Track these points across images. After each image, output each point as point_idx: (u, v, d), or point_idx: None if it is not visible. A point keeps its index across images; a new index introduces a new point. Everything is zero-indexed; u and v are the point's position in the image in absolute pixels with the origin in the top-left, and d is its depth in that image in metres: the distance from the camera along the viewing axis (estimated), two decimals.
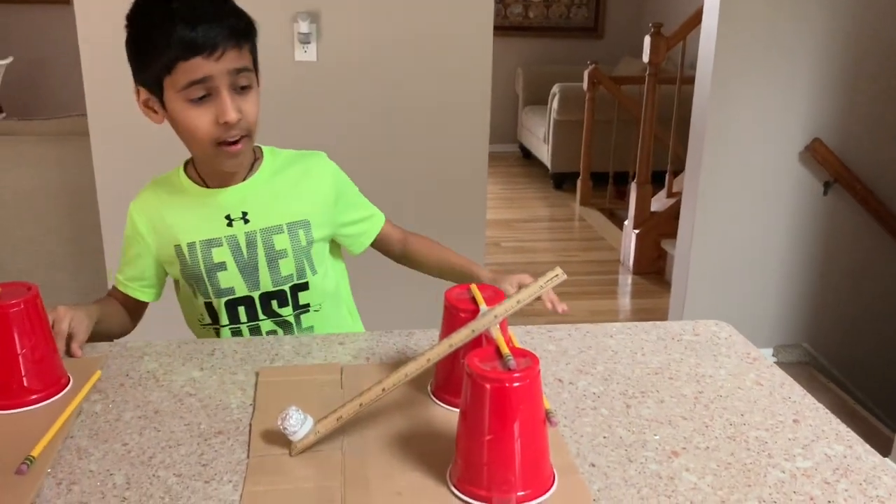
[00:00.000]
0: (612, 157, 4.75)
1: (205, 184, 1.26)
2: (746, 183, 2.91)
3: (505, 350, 0.81)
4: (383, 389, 0.88)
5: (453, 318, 0.96)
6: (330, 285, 1.33)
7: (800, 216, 2.98)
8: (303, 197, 1.30)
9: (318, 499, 0.80)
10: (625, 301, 3.81)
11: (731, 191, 2.91)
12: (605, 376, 1.05)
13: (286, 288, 1.27)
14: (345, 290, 1.41)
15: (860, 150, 2.88)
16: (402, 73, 2.60)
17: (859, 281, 3.06)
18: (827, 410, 0.98)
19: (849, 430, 0.93)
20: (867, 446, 0.90)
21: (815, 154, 2.87)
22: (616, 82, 4.75)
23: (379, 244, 1.40)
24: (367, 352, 1.13)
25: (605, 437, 0.91)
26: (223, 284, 1.25)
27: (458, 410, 0.94)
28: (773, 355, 3.12)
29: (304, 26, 2.56)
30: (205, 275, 1.24)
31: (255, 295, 1.26)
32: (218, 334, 1.27)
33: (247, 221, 1.26)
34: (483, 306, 0.93)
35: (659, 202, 4.04)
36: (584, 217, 4.81)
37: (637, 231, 3.94)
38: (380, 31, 2.58)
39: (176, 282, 1.32)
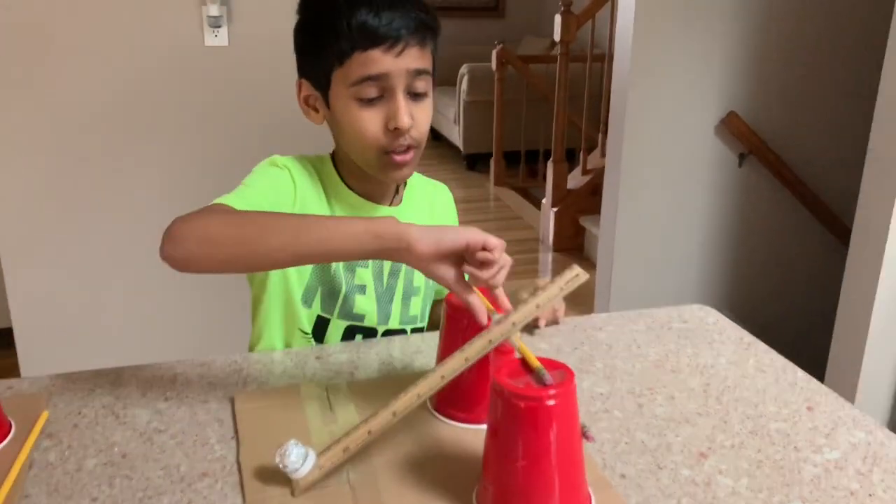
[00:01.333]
0: (523, 136, 4.75)
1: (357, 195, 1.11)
2: (666, 157, 2.94)
3: (535, 363, 0.74)
4: (393, 414, 0.79)
5: (459, 325, 0.88)
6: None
7: (717, 187, 3.04)
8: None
9: None
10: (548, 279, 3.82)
11: (651, 165, 2.94)
12: (608, 374, 1.00)
13: (409, 329, 1.16)
14: None
15: (773, 122, 2.96)
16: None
17: (775, 248, 3.16)
18: (836, 394, 0.96)
19: (864, 413, 0.92)
20: (885, 430, 0.89)
21: (731, 127, 2.93)
22: (524, 61, 4.74)
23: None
24: (347, 365, 1.03)
25: (626, 444, 0.86)
26: (356, 309, 1.11)
27: (464, 426, 0.88)
28: None
29: (213, 9, 2.39)
30: (343, 292, 1.10)
31: (381, 329, 1.14)
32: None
33: None
34: (494, 313, 0.85)
35: (574, 180, 4.06)
36: (499, 197, 4.79)
37: (555, 209, 3.95)
38: (292, 13, 2.44)
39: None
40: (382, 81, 1.00)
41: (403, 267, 1.14)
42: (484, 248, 0.81)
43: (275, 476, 0.79)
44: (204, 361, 1.04)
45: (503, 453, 0.73)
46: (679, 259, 3.10)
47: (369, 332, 1.14)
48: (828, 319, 2.44)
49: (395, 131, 1.02)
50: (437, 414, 0.91)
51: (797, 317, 3.30)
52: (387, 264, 1.13)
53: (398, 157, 1.04)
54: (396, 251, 0.82)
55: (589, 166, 4.03)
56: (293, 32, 1.10)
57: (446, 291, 1.24)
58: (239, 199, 0.97)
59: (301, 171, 1.09)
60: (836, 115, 3.01)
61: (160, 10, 2.36)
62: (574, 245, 3.98)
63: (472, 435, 0.87)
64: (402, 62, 1.00)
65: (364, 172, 1.09)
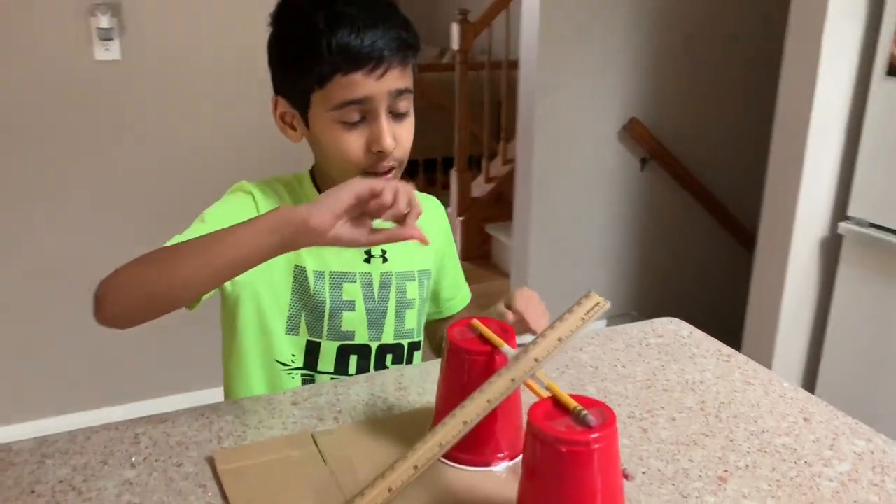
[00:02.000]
0: (420, 145, 4.71)
1: None
2: (573, 163, 2.99)
3: (572, 402, 0.69)
4: (415, 468, 0.73)
5: (464, 362, 0.82)
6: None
7: (621, 191, 3.12)
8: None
9: None
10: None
11: (560, 171, 2.98)
12: (602, 397, 0.97)
13: (405, 343, 1.11)
14: None
15: (673, 128, 3.07)
16: (219, 70, 2.35)
17: (676, 247, 3.28)
18: (826, 403, 0.97)
19: (856, 421, 0.93)
20: (882, 436, 0.90)
21: (633, 132, 3.01)
22: (419, 70, 4.70)
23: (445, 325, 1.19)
24: (329, 409, 0.95)
25: (644, 473, 0.83)
26: (345, 327, 1.06)
27: (472, 469, 0.83)
28: (607, 326, 3.26)
29: (103, 21, 2.22)
30: (328, 311, 1.04)
31: (374, 345, 1.08)
32: (303, 383, 1.07)
33: (385, 260, 1.09)
34: (505, 347, 0.80)
35: (478, 188, 4.07)
36: None
37: (461, 218, 3.94)
38: (192, 24, 2.30)
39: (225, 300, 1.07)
40: (365, 105, 0.97)
41: (394, 279, 1.10)
42: (374, 195, 0.82)
43: None
44: (164, 417, 0.93)
45: (543, 500, 0.68)
46: (589, 262, 3.16)
47: (362, 350, 1.09)
48: (737, 318, 2.54)
49: (378, 154, 0.99)
50: (441, 458, 0.85)
51: (706, 317, 3.43)
52: (375, 280, 1.08)
53: (382, 178, 0.99)
54: (297, 235, 0.82)
55: (491, 174, 4.04)
56: (267, 46, 1.04)
57: (442, 313, 1.22)
58: (186, 238, 0.94)
59: (268, 194, 1.05)
60: (735, 120, 3.15)
61: (44, 23, 2.17)
62: (481, 253, 3.98)
63: (481, 478, 0.82)
64: (384, 84, 0.96)
65: None
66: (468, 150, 3.96)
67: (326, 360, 1.08)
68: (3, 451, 0.86)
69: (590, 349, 1.10)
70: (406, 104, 1.00)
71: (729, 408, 0.96)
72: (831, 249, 2.34)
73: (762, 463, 0.85)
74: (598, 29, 2.86)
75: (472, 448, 0.84)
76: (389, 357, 1.11)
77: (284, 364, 1.07)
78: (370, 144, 0.98)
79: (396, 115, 1.00)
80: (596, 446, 0.66)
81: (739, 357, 1.09)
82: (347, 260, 1.08)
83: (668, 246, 3.25)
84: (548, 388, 0.72)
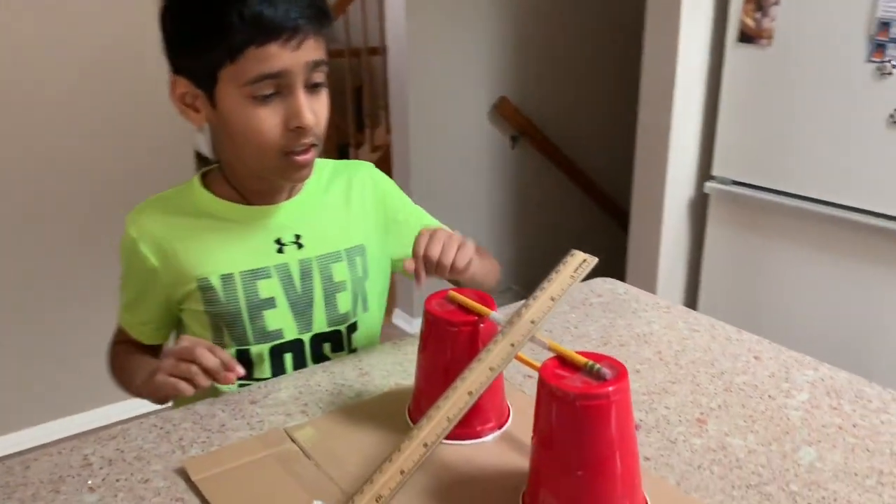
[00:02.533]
0: None
1: (244, 200, 0.99)
2: (448, 143, 3.00)
3: (581, 358, 0.69)
4: (425, 445, 0.69)
5: (447, 335, 0.80)
6: (376, 324, 1.09)
7: (494, 169, 3.18)
8: (353, 217, 1.05)
9: None
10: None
11: (435, 153, 2.99)
12: None
13: (343, 329, 1.04)
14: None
15: (542, 105, 3.15)
16: (73, 73, 2.17)
17: (551, 222, 3.38)
18: (769, 340, 1.03)
19: (801, 354, 0.99)
20: (826, 365, 0.97)
21: (502, 111, 3.06)
22: None
23: None
24: (295, 404, 0.90)
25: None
26: (270, 326, 0.99)
27: (463, 443, 0.81)
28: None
29: None
30: (246, 314, 0.99)
31: (306, 338, 1.01)
32: None
33: (300, 247, 1.00)
34: (493, 314, 0.78)
35: None
36: None
37: None
38: (41, 26, 2.10)
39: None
40: (281, 78, 0.90)
41: (316, 265, 1.03)
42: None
43: None
44: (112, 433, 0.85)
45: (563, 458, 0.67)
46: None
47: (295, 346, 1.02)
48: None
49: (297, 130, 0.92)
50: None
51: None
52: (294, 269, 1.02)
53: (300, 158, 0.94)
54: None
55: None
56: (161, 21, 0.94)
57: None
58: (124, 317, 1.08)
59: (149, 233, 1.01)
60: (603, 97, 3.28)
61: None
62: None
63: (473, 450, 0.80)
64: (300, 55, 0.90)
65: (250, 174, 1.00)
66: (334, 140, 3.89)
67: (261, 366, 1.01)
68: None
69: None
70: (321, 76, 0.94)
71: (684, 355, 1.00)
72: (699, 208, 2.49)
73: (731, 402, 0.89)
74: (465, 10, 2.88)
75: (462, 422, 0.81)
76: (327, 346, 1.05)
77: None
78: (287, 121, 0.91)
79: (312, 88, 0.93)
80: (616, 398, 0.66)
81: (678, 308, 1.13)
82: (257, 255, 1.00)
83: (543, 221, 3.34)
84: (550, 349, 0.72)
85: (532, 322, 0.74)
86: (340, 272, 1.04)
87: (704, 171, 2.46)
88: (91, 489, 0.75)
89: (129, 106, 2.31)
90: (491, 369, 0.72)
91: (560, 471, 0.68)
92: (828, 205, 2.14)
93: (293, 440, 0.82)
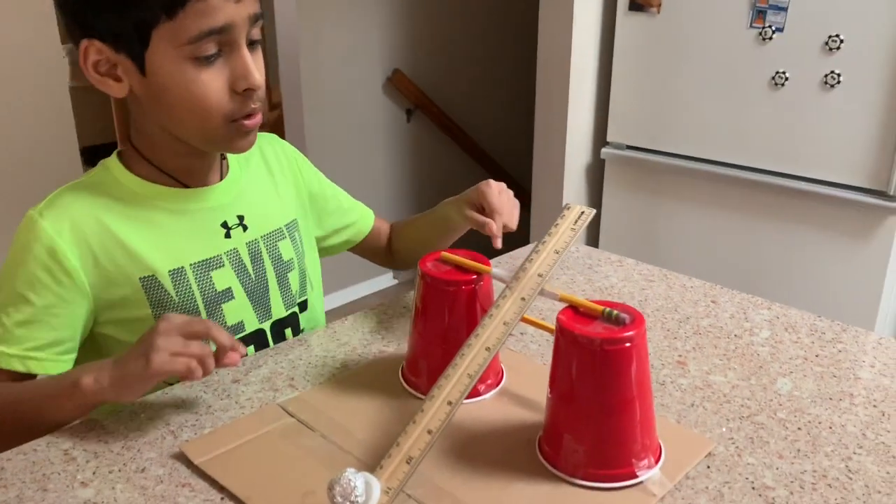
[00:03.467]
0: None
1: (176, 182, 0.89)
2: (343, 118, 2.96)
3: (597, 306, 0.70)
4: (449, 403, 0.69)
5: (447, 295, 0.79)
6: (320, 302, 1.03)
7: (389, 141, 3.16)
8: (280, 191, 0.99)
9: None
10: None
11: (331, 128, 2.93)
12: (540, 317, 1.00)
13: (296, 309, 0.98)
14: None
15: (437, 79, 3.15)
16: None
17: (445, 193, 3.39)
18: (720, 285, 1.09)
19: (751, 295, 1.06)
20: (776, 303, 1.04)
21: (397, 84, 3.04)
22: None
23: (366, 245, 1.16)
24: (280, 378, 0.86)
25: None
26: (230, 320, 0.91)
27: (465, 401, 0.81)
28: (394, 277, 3.31)
29: None
30: (203, 311, 0.90)
31: (267, 326, 0.94)
32: None
33: (245, 228, 0.93)
34: (494, 270, 0.78)
35: None
36: None
37: None
38: None
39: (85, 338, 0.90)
40: (224, 34, 0.82)
41: (263, 245, 0.97)
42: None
43: None
44: (88, 426, 0.78)
45: (587, 404, 0.68)
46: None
47: (257, 337, 0.96)
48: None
49: (245, 93, 0.84)
50: (417, 392, 0.82)
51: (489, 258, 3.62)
52: (244, 254, 0.95)
53: (247, 122, 0.86)
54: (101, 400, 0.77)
55: None
56: None
57: (354, 241, 1.16)
58: (12, 339, 0.84)
59: (71, 230, 0.86)
60: (499, 71, 3.31)
61: None
62: None
63: (473, 408, 0.81)
64: (243, 8, 0.82)
65: (183, 149, 0.89)
66: None
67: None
68: None
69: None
70: (258, 31, 0.87)
71: (648, 304, 1.04)
72: (596, 174, 2.58)
73: (703, 343, 0.93)
74: None
75: None
76: (288, 332, 1.00)
77: (171, 384, 0.89)
78: (234, 82, 0.83)
79: (251, 46, 0.86)
80: (636, 342, 0.67)
81: (628, 260, 1.17)
82: (205, 243, 0.92)
83: (440, 195, 3.33)
84: (562, 300, 0.73)
85: (539, 275, 0.75)
86: (287, 250, 0.99)
87: (600, 137, 2.55)
88: (83, 484, 0.69)
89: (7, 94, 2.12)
90: (505, 324, 0.72)
91: (583, 417, 0.69)
92: (716, 164, 2.27)
93: (290, 414, 0.79)
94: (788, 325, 0.98)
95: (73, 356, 0.88)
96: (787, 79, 2.07)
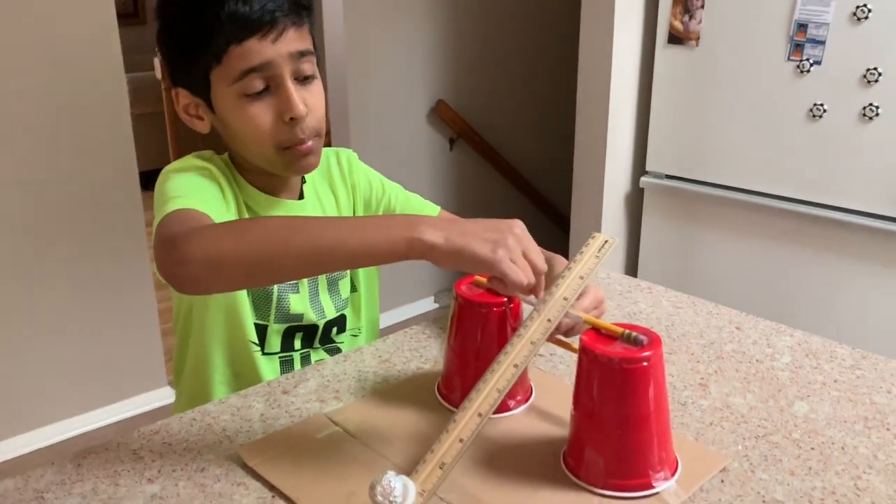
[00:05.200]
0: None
1: (269, 193, 1.03)
2: (387, 146, 3.05)
3: (617, 329, 0.76)
4: (480, 415, 0.75)
5: (480, 317, 0.86)
6: (372, 304, 1.13)
7: (433, 169, 3.25)
8: (340, 204, 1.11)
9: None
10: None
11: (376, 155, 3.01)
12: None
13: (346, 312, 1.09)
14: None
15: (479, 110, 3.24)
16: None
17: (482, 214, 3.46)
18: (743, 311, 1.13)
19: (775, 322, 1.10)
20: (798, 331, 1.08)
21: (440, 114, 3.14)
22: None
23: None
24: (326, 391, 0.94)
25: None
26: (293, 309, 1.02)
27: (491, 416, 0.87)
28: (434, 301, 3.38)
29: None
30: (276, 295, 1.00)
31: (321, 323, 1.06)
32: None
33: None
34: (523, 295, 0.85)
35: None
36: None
37: None
38: None
39: None
40: (266, 71, 0.94)
41: None
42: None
43: None
44: (154, 429, 0.87)
45: (607, 419, 0.74)
46: None
47: (309, 330, 1.08)
48: None
49: (291, 122, 0.96)
50: (451, 405, 0.89)
51: None
52: None
53: (301, 147, 0.98)
54: (421, 257, 0.74)
55: None
56: (157, 40, 0.99)
57: None
58: (192, 201, 0.89)
59: (211, 168, 1.00)
60: (539, 101, 3.39)
61: None
62: None
63: (505, 423, 0.87)
64: (281, 47, 0.94)
65: (261, 170, 1.03)
66: None
67: (273, 342, 1.05)
68: None
69: None
70: (310, 66, 0.97)
71: (674, 329, 1.09)
72: (635, 202, 2.63)
73: (725, 367, 0.98)
74: (401, 14, 2.94)
75: None
76: (334, 330, 1.11)
77: (255, 343, 1.03)
78: (281, 114, 0.94)
79: (302, 81, 0.96)
80: (653, 362, 0.73)
81: (657, 287, 1.23)
82: None
83: (475, 215, 3.42)
84: (586, 322, 0.79)
85: (565, 299, 0.81)
86: None
87: (639, 166, 2.59)
88: (150, 480, 0.77)
89: (76, 115, 2.26)
90: (532, 343, 0.78)
91: (603, 431, 0.75)
92: (753, 193, 2.30)
93: (335, 423, 0.86)
94: (809, 351, 1.02)
95: None
96: (825, 111, 2.10)
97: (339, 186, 1.14)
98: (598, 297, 0.91)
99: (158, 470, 0.79)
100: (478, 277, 0.89)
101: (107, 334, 2.41)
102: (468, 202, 3.37)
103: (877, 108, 2.02)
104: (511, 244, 0.73)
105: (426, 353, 1.03)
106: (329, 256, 0.74)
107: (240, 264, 0.74)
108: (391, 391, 0.93)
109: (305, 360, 1.08)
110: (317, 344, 1.09)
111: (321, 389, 0.94)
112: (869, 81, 2.01)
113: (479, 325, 0.86)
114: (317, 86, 0.99)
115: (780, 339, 1.05)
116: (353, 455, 0.80)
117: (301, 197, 1.09)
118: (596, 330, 0.77)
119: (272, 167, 1.00)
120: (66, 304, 2.31)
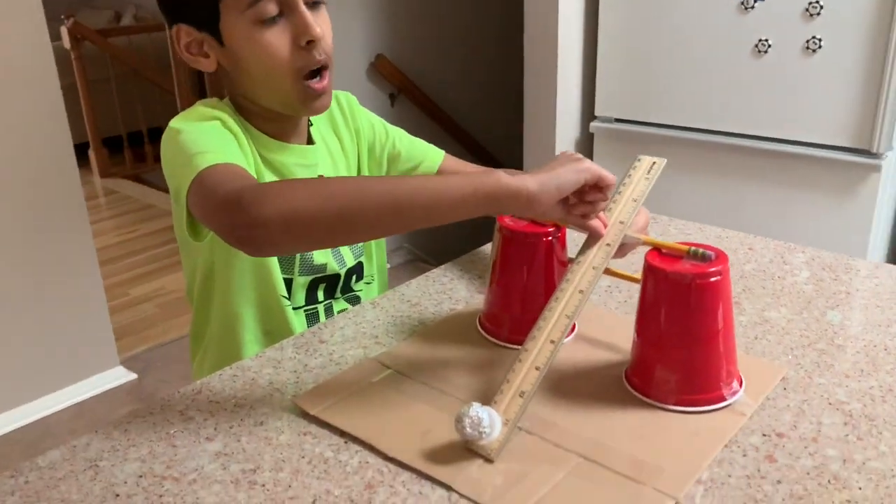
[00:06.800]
0: (120, 118, 4.31)
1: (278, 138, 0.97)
2: None
3: (681, 246, 0.76)
4: (552, 342, 0.74)
5: (528, 247, 0.84)
6: (381, 251, 1.12)
7: None
8: (345, 147, 1.06)
9: (579, 473, 0.66)
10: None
11: None
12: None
13: (363, 259, 1.07)
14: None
15: (420, 63, 3.18)
16: None
17: None
18: (750, 234, 1.15)
19: (785, 242, 1.13)
20: (808, 248, 1.11)
21: (380, 68, 3.07)
22: (102, 35, 4.24)
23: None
24: (366, 337, 0.90)
25: None
26: (317, 260, 0.99)
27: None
28: (387, 262, 3.35)
29: None
30: None
31: (343, 272, 1.02)
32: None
33: None
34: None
35: None
36: (113, 189, 4.29)
37: None
38: None
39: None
40: None
41: None
42: (599, 184, 0.77)
43: (447, 452, 0.69)
44: (195, 389, 0.82)
45: (677, 336, 0.74)
46: None
47: (332, 281, 1.05)
48: None
49: (308, 45, 0.92)
50: (496, 339, 0.87)
51: (462, 239, 3.66)
52: None
53: (317, 86, 0.94)
54: (512, 206, 0.74)
55: None
56: None
57: (435, 168, 1.15)
58: (222, 156, 0.83)
59: (222, 117, 0.94)
60: (482, 54, 3.35)
61: None
62: None
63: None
64: None
65: (271, 114, 0.98)
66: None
67: (298, 295, 1.02)
68: (19, 469, 0.69)
69: None
70: None
71: None
72: (586, 148, 2.65)
73: (752, 285, 1.00)
74: None
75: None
76: (354, 278, 1.09)
77: (285, 297, 0.99)
78: (297, 38, 0.91)
79: (313, 5, 0.93)
80: (724, 275, 0.73)
81: (662, 217, 1.23)
82: None
83: None
84: (646, 243, 0.78)
85: (621, 222, 0.80)
86: None
87: (588, 112, 2.61)
88: (208, 439, 0.73)
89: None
90: (594, 268, 0.77)
91: (675, 349, 0.75)
92: (702, 132, 2.35)
93: (387, 366, 0.83)
94: (824, 265, 1.05)
95: None
96: (769, 46, 2.16)
97: (342, 130, 1.10)
98: (647, 219, 0.91)
99: (214, 427, 0.75)
100: None
101: (53, 316, 2.28)
102: None
103: (819, 40, 2.08)
104: (586, 160, 0.77)
105: (455, 295, 1.00)
106: (408, 207, 0.72)
107: (319, 222, 0.71)
108: (432, 332, 0.91)
109: (329, 311, 1.04)
110: (338, 294, 1.06)
111: (360, 336, 0.91)
112: (811, 14, 2.07)
113: (526, 257, 0.85)
114: (325, 12, 0.95)
115: (794, 257, 1.08)
116: (415, 394, 0.78)
117: (311, 142, 1.04)
118: (657, 250, 0.77)
119: (286, 103, 0.95)
120: (6, 287, 2.17)
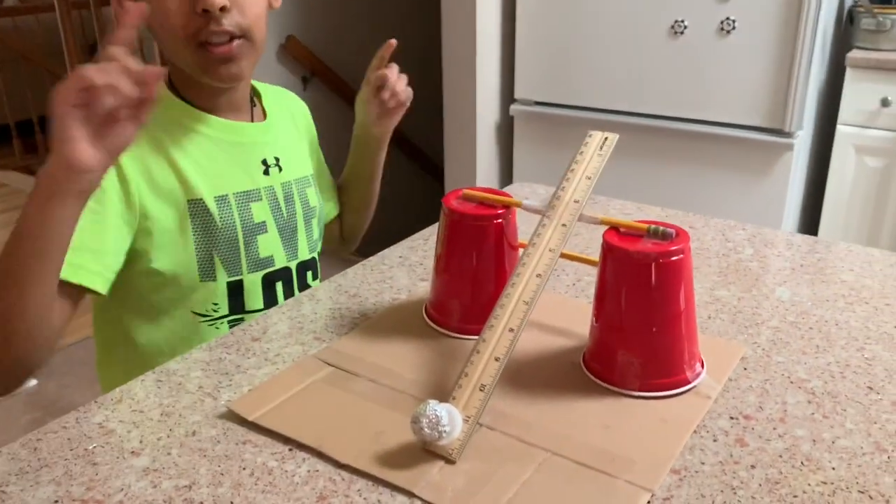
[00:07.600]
0: (7, 106, 4.02)
1: (214, 114, 0.90)
2: None
3: (640, 225, 0.72)
4: (511, 331, 0.69)
5: (476, 230, 0.79)
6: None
7: None
8: (302, 146, 1.03)
9: (540, 464, 0.62)
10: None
11: None
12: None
13: (316, 255, 1.01)
14: None
15: (333, 45, 3.08)
16: None
17: (345, 161, 3.35)
18: (686, 212, 1.14)
19: (724, 220, 1.12)
20: (748, 224, 1.10)
21: (291, 51, 2.96)
22: None
23: (327, 231, 1.11)
24: (303, 332, 0.83)
25: None
26: (263, 252, 0.91)
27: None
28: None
29: None
30: (241, 239, 0.92)
31: (293, 265, 0.95)
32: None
33: (281, 169, 0.95)
34: (526, 201, 0.79)
35: None
36: (2, 182, 4.00)
37: None
38: None
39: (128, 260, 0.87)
40: None
41: (295, 188, 1.00)
42: (83, 88, 0.65)
43: (404, 455, 0.63)
44: (115, 398, 0.73)
45: (638, 318, 0.71)
46: None
47: (284, 275, 0.98)
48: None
49: (204, 15, 0.84)
50: (458, 336, 0.82)
51: (405, 225, 3.58)
52: (279, 193, 0.97)
53: (216, 50, 0.87)
54: (71, 183, 0.69)
55: None
56: None
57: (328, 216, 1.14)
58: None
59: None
60: (399, 35, 3.26)
61: None
62: None
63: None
64: None
65: (193, 82, 0.91)
66: None
67: (253, 297, 0.95)
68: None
69: None
70: None
71: None
72: (506, 131, 2.62)
73: (698, 263, 0.98)
74: None
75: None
76: (309, 274, 1.03)
77: (205, 315, 0.90)
78: (194, 4, 0.84)
79: None
80: (686, 254, 0.70)
81: (600, 197, 1.21)
82: (246, 176, 0.95)
83: (341, 162, 3.30)
84: (603, 223, 0.74)
85: (576, 201, 0.76)
86: (313, 197, 1.03)
87: (507, 96, 2.58)
88: (133, 453, 0.65)
89: None
90: (551, 250, 0.73)
91: (637, 332, 0.71)
92: (620, 113, 2.36)
93: (330, 364, 0.77)
94: (767, 241, 1.04)
95: (111, 277, 0.83)
96: (685, 27, 2.18)
97: (303, 131, 1.09)
98: None
99: (140, 440, 0.66)
100: (466, 190, 0.82)
101: None
102: (325, 143, 3.22)
103: (733, 21, 2.11)
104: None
105: (395, 283, 0.94)
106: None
107: None
108: (376, 324, 0.85)
109: None
110: (297, 293, 0.99)
111: (296, 332, 0.84)
112: None
113: (474, 241, 0.80)
114: None
115: (735, 234, 1.07)
116: (364, 393, 0.72)
117: (264, 118, 1.00)
118: (615, 229, 0.73)
119: (189, 67, 0.89)
120: None
